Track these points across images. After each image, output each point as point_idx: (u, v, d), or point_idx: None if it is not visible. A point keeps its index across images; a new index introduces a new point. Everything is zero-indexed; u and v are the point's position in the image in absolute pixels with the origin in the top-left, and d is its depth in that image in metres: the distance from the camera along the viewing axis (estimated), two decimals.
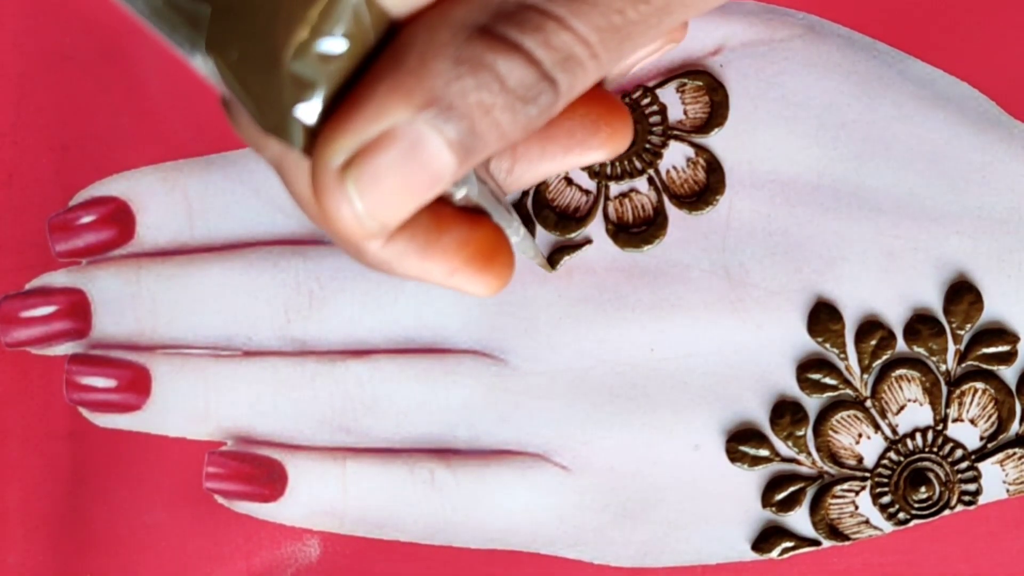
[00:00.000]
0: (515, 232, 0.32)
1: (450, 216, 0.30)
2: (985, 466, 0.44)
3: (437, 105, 0.27)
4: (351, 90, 0.28)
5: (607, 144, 0.33)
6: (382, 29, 0.28)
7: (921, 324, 0.44)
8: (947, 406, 0.44)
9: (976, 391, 0.44)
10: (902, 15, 0.44)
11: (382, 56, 0.28)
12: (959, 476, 0.44)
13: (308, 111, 0.27)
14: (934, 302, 0.44)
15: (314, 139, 0.28)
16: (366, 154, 0.27)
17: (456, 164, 0.28)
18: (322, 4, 0.27)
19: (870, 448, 0.44)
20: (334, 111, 0.28)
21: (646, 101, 0.44)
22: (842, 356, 0.44)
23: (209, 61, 0.27)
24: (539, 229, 0.44)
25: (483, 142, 0.28)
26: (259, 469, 0.45)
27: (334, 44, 0.27)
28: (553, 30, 0.28)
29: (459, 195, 0.31)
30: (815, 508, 0.44)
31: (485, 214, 0.31)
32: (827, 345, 0.44)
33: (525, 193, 0.45)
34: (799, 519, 0.44)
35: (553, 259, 0.44)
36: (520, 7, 0.28)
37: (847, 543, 0.44)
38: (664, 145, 0.44)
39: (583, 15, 0.28)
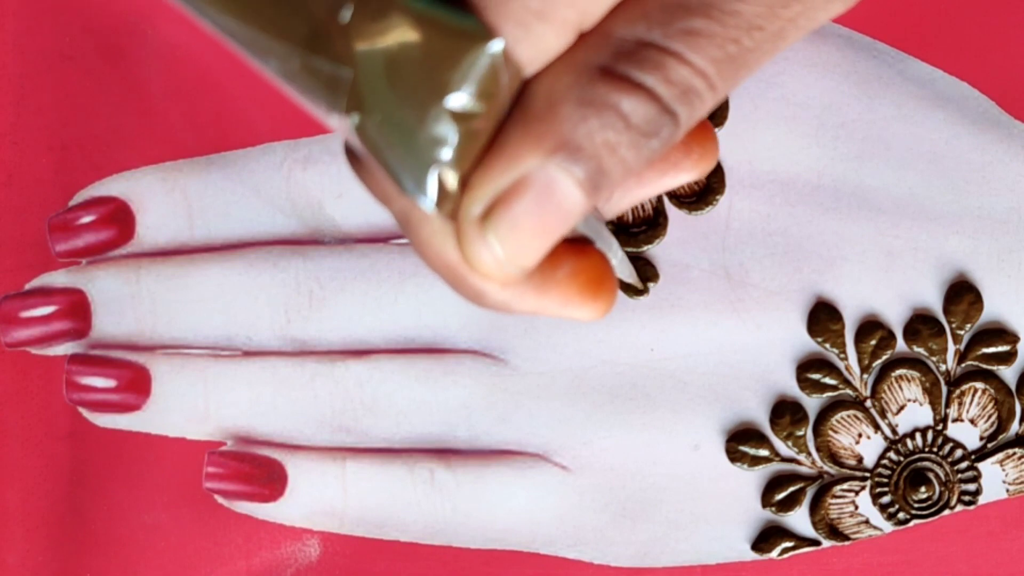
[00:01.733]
0: (614, 254, 0.33)
1: (561, 250, 0.31)
2: (985, 466, 0.44)
3: (566, 148, 0.28)
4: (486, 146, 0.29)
5: (698, 165, 0.34)
6: (517, 87, 0.29)
7: (921, 324, 0.44)
8: (947, 406, 0.44)
9: (976, 391, 0.44)
10: (902, 15, 0.44)
11: (513, 111, 0.29)
12: (959, 476, 0.44)
13: (444, 172, 0.28)
14: (934, 302, 0.44)
15: (445, 196, 0.29)
16: (503, 203, 0.29)
17: (586, 202, 0.29)
18: (462, 67, 0.28)
19: (870, 448, 0.44)
20: (472, 164, 0.29)
21: None
22: (842, 356, 0.44)
23: (348, 122, 0.28)
24: None
25: (610, 178, 0.29)
26: (259, 469, 0.45)
27: (472, 104, 0.28)
28: (672, 66, 0.29)
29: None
30: (815, 508, 0.44)
31: (589, 241, 0.32)
32: (827, 345, 0.44)
33: None
34: (799, 519, 0.44)
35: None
36: (639, 45, 0.28)
37: (847, 543, 0.44)
38: None
39: (700, 49, 0.29)
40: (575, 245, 0.32)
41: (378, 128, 0.28)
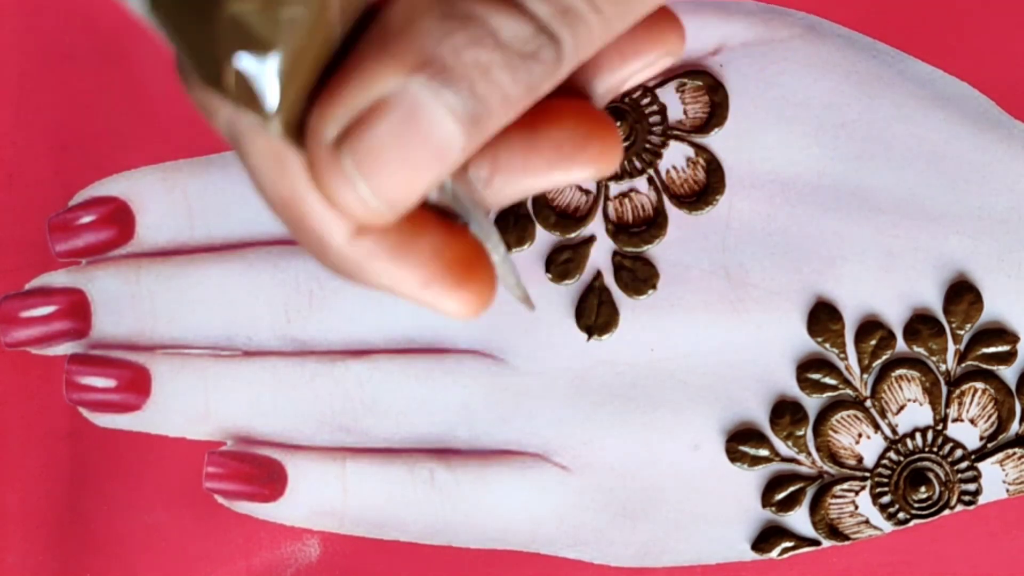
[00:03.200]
0: (495, 250, 0.29)
1: (426, 219, 0.28)
2: (985, 466, 0.44)
3: (431, 67, 0.25)
4: (338, 62, 0.26)
5: (595, 162, 0.29)
6: None
7: (921, 324, 0.44)
8: (947, 406, 0.44)
9: (976, 391, 0.44)
10: (902, 15, 0.44)
11: (369, 25, 0.26)
12: (959, 476, 0.44)
13: (252, 64, 0.24)
14: (934, 302, 0.44)
15: (250, 91, 0.24)
16: (361, 124, 0.25)
17: (463, 135, 0.25)
18: None
19: (870, 448, 0.44)
20: (323, 86, 0.25)
21: (646, 101, 0.44)
22: (842, 356, 0.44)
23: (143, 4, 0.24)
24: (538, 228, 0.45)
25: (487, 108, 0.26)
26: (259, 469, 0.45)
27: None
28: None
29: (433, 196, 0.28)
30: (815, 508, 0.44)
31: (463, 223, 0.28)
32: (827, 345, 0.44)
33: None
34: (799, 519, 0.44)
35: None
36: None
37: (847, 543, 0.44)
38: (664, 145, 0.44)
39: None
40: (447, 222, 0.28)
41: (171, 9, 0.24)
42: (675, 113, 0.44)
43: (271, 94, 0.24)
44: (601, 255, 0.45)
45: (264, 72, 0.24)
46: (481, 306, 0.28)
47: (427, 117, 0.25)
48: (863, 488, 0.44)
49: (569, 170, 0.29)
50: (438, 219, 0.28)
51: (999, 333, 0.44)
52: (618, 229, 0.45)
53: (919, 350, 0.44)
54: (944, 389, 0.44)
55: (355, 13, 0.25)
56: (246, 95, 0.24)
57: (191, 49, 0.24)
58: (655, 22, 0.29)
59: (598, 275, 0.45)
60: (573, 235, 0.45)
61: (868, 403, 0.44)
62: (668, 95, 0.44)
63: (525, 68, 0.26)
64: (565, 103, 0.29)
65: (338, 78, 0.25)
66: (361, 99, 0.25)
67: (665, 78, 0.44)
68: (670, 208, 0.44)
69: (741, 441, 0.44)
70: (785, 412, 0.44)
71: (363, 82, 0.25)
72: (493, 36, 0.25)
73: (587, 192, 0.45)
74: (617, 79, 0.30)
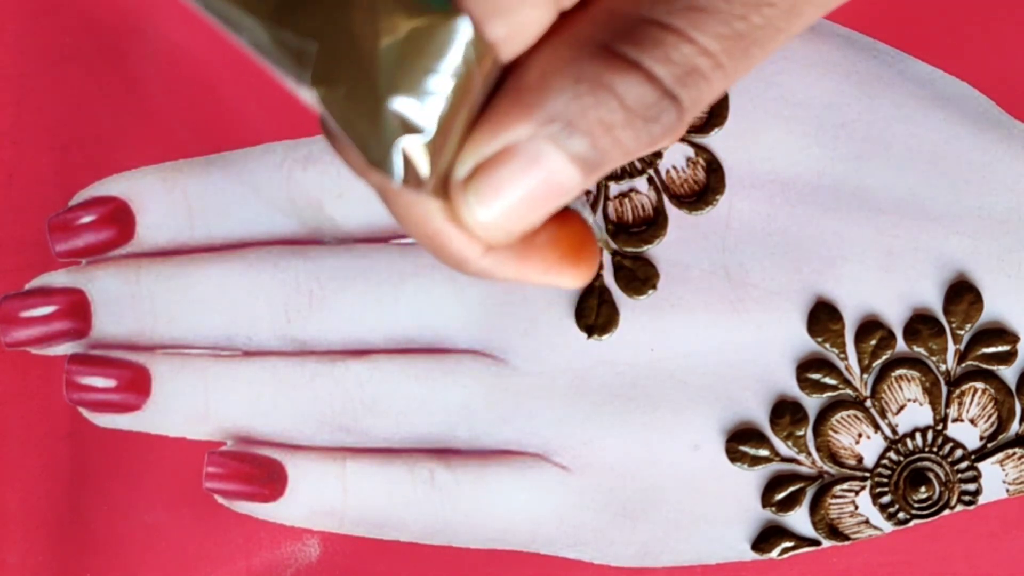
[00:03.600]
0: (587, 217, 0.34)
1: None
2: (985, 466, 0.44)
3: (558, 121, 0.27)
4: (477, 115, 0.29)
5: (574, 280, 0.32)
6: (490, 64, 0.28)
7: (921, 324, 0.44)
8: (947, 406, 0.44)
9: (976, 391, 0.44)
10: (902, 15, 0.44)
11: (508, 78, 0.28)
12: (959, 476, 0.44)
13: (411, 146, 0.28)
14: (934, 302, 0.44)
15: (411, 170, 0.28)
16: (486, 168, 0.28)
17: (581, 178, 0.28)
18: (428, 45, 0.28)
19: (870, 448, 0.44)
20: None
21: None
22: (842, 356, 0.44)
23: (315, 95, 0.28)
24: None
25: (606, 157, 0.28)
26: (259, 469, 0.45)
27: (438, 81, 0.28)
28: (673, 44, 0.27)
29: None
30: (815, 508, 0.44)
31: (566, 208, 0.32)
32: (827, 345, 0.44)
33: None
34: (799, 519, 0.44)
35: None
36: (639, 22, 0.27)
37: (847, 543, 0.44)
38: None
39: (703, 25, 0.27)
40: (556, 214, 0.31)
41: (343, 102, 0.28)
42: None
43: (423, 168, 0.28)
44: (601, 255, 0.45)
45: (419, 152, 0.28)
46: (591, 275, 0.31)
47: (550, 163, 0.28)
48: (863, 488, 0.44)
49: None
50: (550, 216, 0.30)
51: (999, 333, 0.44)
52: (618, 229, 0.45)
53: (919, 350, 0.44)
54: (944, 389, 0.44)
55: (492, 81, 0.29)
56: (407, 174, 0.28)
57: (359, 137, 0.28)
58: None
59: (598, 275, 0.45)
60: None
61: (868, 403, 0.44)
62: None
63: (646, 129, 0.28)
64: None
65: (475, 127, 0.28)
66: (491, 146, 0.28)
67: None
68: (670, 208, 0.44)
69: (741, 441, 0.44)
70: (785, 412, 0.44)
71: (495, 130, 0.28)
72: (619, 100, 0.27)
73: (587, 192, 0.45)
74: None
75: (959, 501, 0.44)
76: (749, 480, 0.44)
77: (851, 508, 0.44)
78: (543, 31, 0.28)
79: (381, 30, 0.28)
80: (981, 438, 0.44)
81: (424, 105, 0.28)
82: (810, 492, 0.44)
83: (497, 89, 0.29)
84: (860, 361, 0.44)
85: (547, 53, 0.28)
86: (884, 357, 0.44)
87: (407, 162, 0.28)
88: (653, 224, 0.44)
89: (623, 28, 0.27)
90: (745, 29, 0.28)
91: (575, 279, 0.31)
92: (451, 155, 0.29)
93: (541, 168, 0.28)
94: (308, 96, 0.28)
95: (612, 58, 0.27)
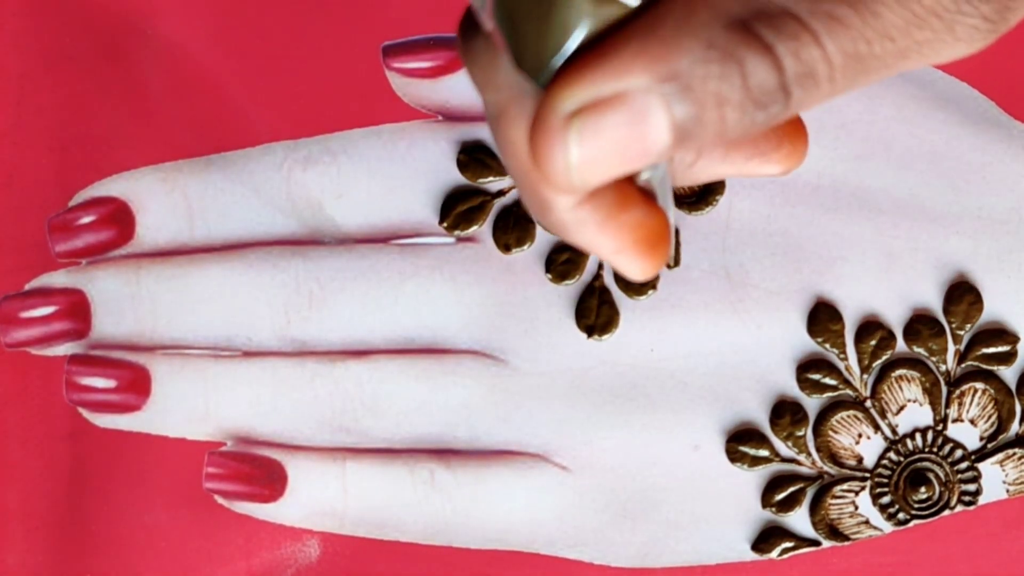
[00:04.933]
0: (673, 222, 0.33)
1: (634, 196, 0.30)
2: (985, 466, 0.44)
3: (677, 82, 0.27)
4: (601, 44, 0.28)
5: (785, 161, 0.33)
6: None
7: (921, 324, 0.44)
8: (947, 406, 0.44)
9: (976, 391, 0.44)
10: None
11: (638, 20, 0.28)
12: (959, 476, 0.44)
13: (567, 61, 0.28)
14: (934, 302, 0.44)
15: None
16: (596, 108, 0.27)
17: (670, 145, 0.28)
18: None
19: (870, 448, 0.44)
20: (579, 59, 0.28)
21: None
22: (842, 356, 0.44)
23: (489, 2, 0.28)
24: (538, 228, 0.45)
25: (702, 133, 0.28)
26: (259, 469, 0.45)
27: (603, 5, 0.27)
28: (807, 42, 0.28)
29: (645, 176, 0.31)
30: (815, 508, 0.44)
31: (654, 198, 0.31)
32: (827, 345, 0.44)
33: None
34: (799, 519, 0.44)
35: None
36: (782, 11, 0.28)
37: (847, 543, 0.44)
38: None
39: (836, 35, 0.28)
40: (645, 196, 0.31)
41: (511, 4, 0.28)
42: None
43: (550, 75, 0.28)
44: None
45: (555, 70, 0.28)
46: (655, 272, 0.31)
47: (651, 121, 0.27)
48: (863, 488, 0.44)
49: (761, 166, 0.32)
50: (642, 198, 0.30)
51: (999, 333, 0.44)
52: None
53: (919, 350, 0.44)
54: (944, 389, 0.44)
55: (639, 25, 0.28)
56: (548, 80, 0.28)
57: (519, 40, 0.28)
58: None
59: (598, 275, 0.45)
60: None
61: (868, 403, 0.44)
62: None
63: (752, 113, 0.28)
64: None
65: (594, 59, 0.28)
66: (607, 87, 0.27)
67: None
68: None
69: (741, 441, 0.44)
70: (785, 412, 0.44)
71: (616, 72, 0.27)
72: (743, 78, 0.27)
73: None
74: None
75: (959, 501, 0.44)
76: (749, 480, 0.44)
77: (851, 508, 0.44)
78: None
79: None
80: (981, 438, 0.44)
81: (591, 18, 0.27)
82: (810, 492, 0.44)
83: (622, 31, 0.28)
84: (860, 361, 0.44)
85: (684, 10, 0.28)
86: (884, 357, 0.44)
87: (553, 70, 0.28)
88: None
89: (764, 11, 0.28)
90: (866, 53, 0.29)
91: (640, 269, 0.31)
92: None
93: (643, 124, 0.28)
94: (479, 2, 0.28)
95: (748, 35, 0.27)
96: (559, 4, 0.28)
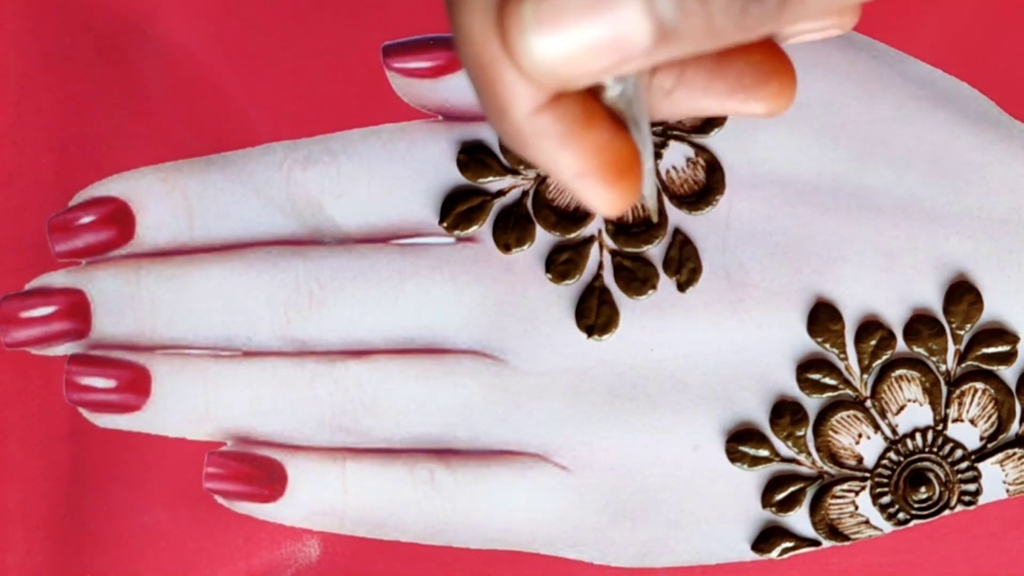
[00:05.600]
0: (647, 159, 0.30)
1: (599, 116, 0.28)
2: (985, 466, 0.44)
3: None
4: None
5: (772, 100, 0.30)
6: None
7: (921, 324, 0.44)
8: (947, 406, 0.44)
9: (976, 391, 0.44)
10: (902, 15, 0.44)
11: None
12: (959, 476, 0.44)
13: None
14: (934, 302, 0.44)
15: None
16: None
17: (650, 42, 0.26)
18: None
19: (870, 448, 0.44)
20: None
21: None
22: (842, 356, 0.44)
23: None
24: (538, 228, 0.45)
25: (688, 32, 0.26)
26: (259, 469, 0.45)
27: None
28: None
29: (612, 92, 0.29)
30: (815, 508, 0.44)
31: (625, 127, 0.29)
32: (827, 345, 0.44)
33: (525, 192, 0.45)
34: (799, 519, 0.44)
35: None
36: None
37: (847, 543, 0.44)
38: (664, 145, 0.44)
39: None
40: (615, 121, 0.29)
41: None
42: None
43: None
44: (601, 255, 0.45)
45: None
46: (622, 206, 0.28)
47: (625, 13, 0.25)
48: (863, 488, 0.44)
49: (745, 102, 0.29)
50: (609, 120, 0.28)
51: (999, 333, 0.44)
52: (618, 229, 0.44)
53: (919, 350, 0.44)
54: (944, 389, 0.44)
55: None
56: None
57: None
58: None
59: (598, 275, 0.45)
60: (573, 235, 0.45)
61: (868, 403, 0.44)
62: None
63: (744, 11, 0.25)
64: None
65: None
66: None
67: None
68: (670, 208, 0.44)
69: (741, 441, 0.44)
70: (785, 412, 0.44)
71: None
72: None
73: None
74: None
75: (959, 501, 0.44)
76: (749, 480, 0.44)
77: (851, 508, 0.44)
78: None
79: None
80: (981, 438, 0.44)
81: None
82: (810, 492, 0.44)
83: None
84: (860, 361, 0.44)
85: None
86: (884, 357, 0.44)
87: None
88: (653, 224, 0.44)
89: None
90: None
91: (605, 201, 0.28)
92: None
93: (614, 14, 0.25)
94: None
95: None
96: None
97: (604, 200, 0.28)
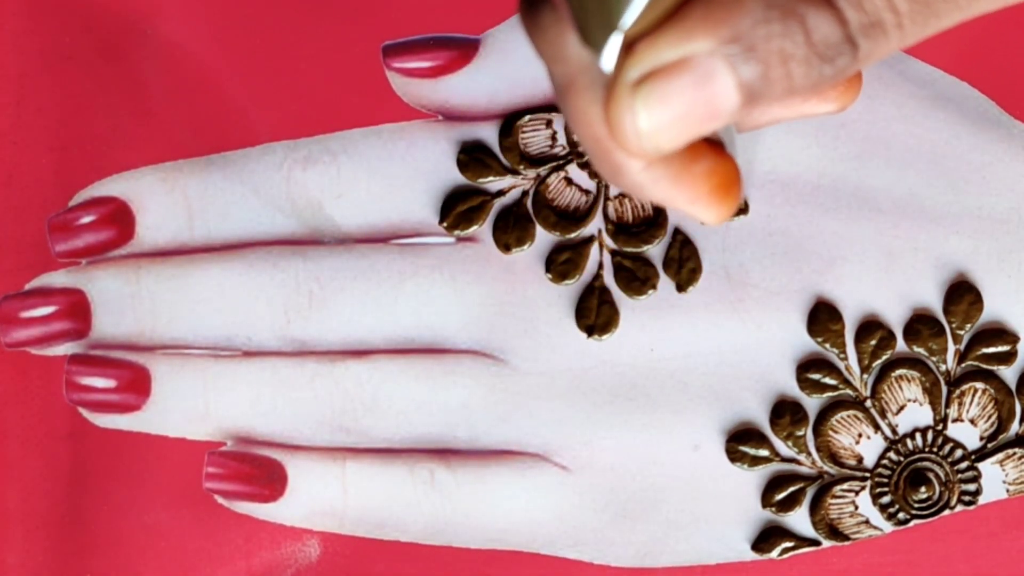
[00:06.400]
0: (741, 164, 0.33)
1: (701, 145, 0.31)
2: (985, 466, 0.44)
3: (740, 43, 0.27)
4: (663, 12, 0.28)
5: (841, 98, 0.33)
6: None
7: (921, 324, 0.44)
8: (947, 406, 0.44)
9: (976, 391, 0.44)
10: None
11: None
12: (959, 476, 0.44)
13: (628, 34, 0.28)
14: (934, 302, 0.44)
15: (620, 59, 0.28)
16: (661, 74, 0.28)
17: (739, 105, 0.28)
18: None
19: (870, 448, 0.44)
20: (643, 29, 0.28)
21: None
22: (842, 356, 0.44)
23: None
24: (538, 228, 0.45)
25: (770, 90, 0.28)
26: (259, 469, 0.45)
27: None
28: None
29: None
30: (815, 508, 0.44)
31: (721, 145, 0.32)
32: (827, 345, 0.44)
33: (525, 192, 0.45)
34: (799, 519, 0.44)
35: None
36: None
37: (847, 543, 0.44)
38: None
39: None
40: (713, 146, 0.31)
41: None
42: None
43: (615, 49, 0.28)
44: (601, 255, 0.45)
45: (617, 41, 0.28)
46: (730, 216, 0.31)
47: (718, 84, 0.28)
48: (863, 488, 0.44)
49: (818, 105, 0.32)
50: (708, 146, 0.31)
51: (999, 333, 0.44)
52: (618, 229, 0.45)
53: (919, 350, 0.44)
54: (944, 389, 0.44)
55: None
56: (616, 60, 0.28)
57: (584, 12, 0.28)
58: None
59: (598, 275, 0.45)
60: (573, 235, 0.45)
61: (868, 403, 0.44)
62: None
63: (819, 68, 0.28)
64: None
65: (660, 29, 0.28)
66: (670, 52, 0.28)
67: None
68: (670, 208, 0.44)
69: (741, 441, 0.44)
70: (785, 412, 0.44)
71: (677, 38, 0.28)
72: (805, 34, 0.28)
73: (587, 192, 0.45)
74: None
75: (959, 501, 0.44)
76: (749, 480, 0.44)
77: (851, 508, 0.44)
78: None
79: None
80: (981, 438, 0.44)
81: None
82: (810, 492, 0.44)
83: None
84: (860, 361, 0.44)
85: None
86: (884, 357, 0.44)
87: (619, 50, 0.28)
88: (653, 224, 0.44)
89: None
90: None
91: (717, 215, 0.31)
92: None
93: (710, 87, 0.28)
94: None
95: None
96: None
97: (716, 216, 0.31)
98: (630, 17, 0.28)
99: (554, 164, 0.45)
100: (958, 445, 0.44)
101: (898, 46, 0.29)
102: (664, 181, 0.30)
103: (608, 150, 0.29)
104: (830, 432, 0.44)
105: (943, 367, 0.44)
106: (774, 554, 0.44)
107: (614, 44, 0.28)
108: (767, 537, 0.44)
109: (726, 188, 0.31)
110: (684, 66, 0.28)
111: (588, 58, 0.29)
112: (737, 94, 0.28)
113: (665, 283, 0.44)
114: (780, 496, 0.44)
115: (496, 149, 0.45)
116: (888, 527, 0.44)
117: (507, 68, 0.45)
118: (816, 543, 0.44)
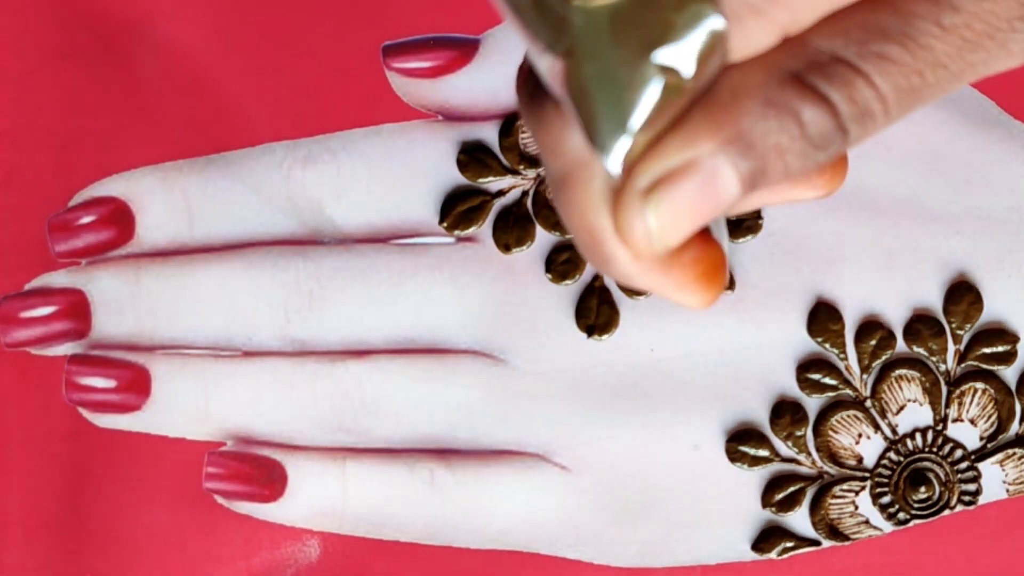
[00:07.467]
0: (726, 248, 0.34)
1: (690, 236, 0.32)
2: (985, 466, 0.44)
3: (741, 143, 0.29)
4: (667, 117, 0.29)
5: (828, 184, 0.34)
6: (718, 72, 0.29)
7: (921, 324, 0.44)
8: (947, 406, 0.44)
9: (976, 391, 0.44)
10: None
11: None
12: (959, 476, 0.44)
13: (637, 137, 0.29)
14: (934, 302, 0.44)
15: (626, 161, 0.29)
16: (670, 181, 0.29)
17: (740, 194, 0.29)
18: (682, 30, 0.28)
19: (870, 448, 0.44)
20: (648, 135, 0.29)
21: None
22: (842, 356, 0.44)
23: (560, 65, 0.28)
24: (538, 228, 0.45)
25: (767, 179, 0.29)
26: (259, 469, 0.45)
27: (683, 67, 0.28)
28: (859, 86, 0.29)
29: None
30: (815, 508, 0.44)
31: (708, 230, 0.32)
32: (827, 345, 0.44)
33: (525, 192, 0.45)
34: (799, 519, 0.44)
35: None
36: (832, 59, 0.29)
37: (847, 543, 0.44)
38: None
39: (887, 74, 0.29)
40: (701, 232, 0.32)
41: (589, 78, 0.28)
42: None
43: (622, 153, 0.29)
44: None
45: (638, 148, 0.29)
46: (716, 300, 0.32)
47: (721, 181, 0.29)
48: (863, 488, 0.44)
49: (806, 190, 0.33)
50: (698, 234, 0.31)
51: (999, 333, 0.44)
52: None
53: (919, 350, 0.44)
54: (944, 389, 0.44)
55: (700, 95, 0.29)
56: (621, 162, 0.29)
57: (593, 114, 0.28)
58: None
59: (598, 275, 0.45)
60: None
61: (868, 403, 0.44)
62: None
63: (813, 155, 0.29)
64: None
65: (666, 136, 0.29)
66: (678, 158, 0.29)
67: None
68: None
69: (741, 441, 0.44)
70: (785, 412, 0.44)
71: (683, 143, 0.29)
72: (800, 128, 0.29)
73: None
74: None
75: (959, 501, 0.44)
76: (749, 480, 0.44)
77: (851, 508, 0.44)
78: (766, 49, 0.29)
79: (643, 12, 0.28)
80: (981, 438, 0.44)
81: (662, 97, 0.28)
82: (810, 492, 0.44)
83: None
84: (860, 361, 0.44)
85: (740, 73, 0.29)
86: (884, 357, 0.44)
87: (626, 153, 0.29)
88: None
89: (815, 62, 0.29)
90: (918, 84, 0.30)
91: (703, 301, 0.32)
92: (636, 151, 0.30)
93: (714, 184, 0.29)
94: (547, 64, 0.28)
95: (803, 88, 0.29)
96: (633, 84, 0.28)
97: (701, 301, 0.32)
98: (637, 121, 0.28)
99: None
100: (958, 445, 0.44)
101: (883, 127, 0.30)
102: (655, 272, 0.31)
103: (601, 242, 0.30)
104: (830, 432, 0.44)
105: (943, 367, 0.44)
106: (774, 554, 0.44)
107: (622, 147, 0.28)
108: (767, 537, 0.44)
109: (712, 274, 0.31)
110: (690, 168, 0.29)
111: (588, 154, 0.29)
112: (738, 187, 0.29)
113: None
114: (780, 496, 0.44)
115: (496, 149, 0.45)
116: (888, 527, 0.44)
117: (507, 68, 0.45)
118: (816, 543, 0.44)
